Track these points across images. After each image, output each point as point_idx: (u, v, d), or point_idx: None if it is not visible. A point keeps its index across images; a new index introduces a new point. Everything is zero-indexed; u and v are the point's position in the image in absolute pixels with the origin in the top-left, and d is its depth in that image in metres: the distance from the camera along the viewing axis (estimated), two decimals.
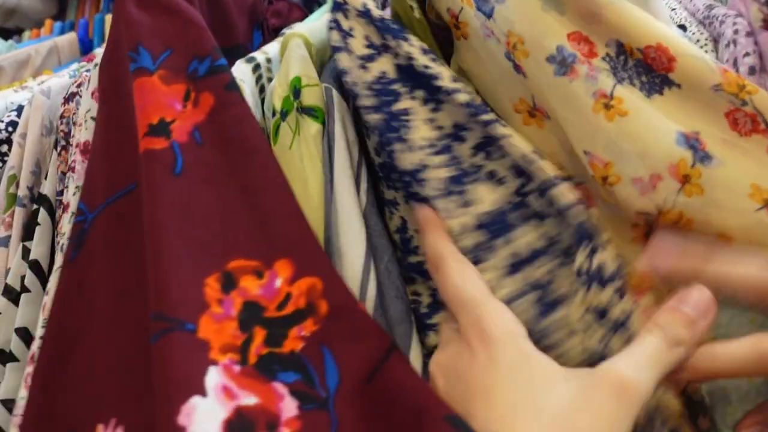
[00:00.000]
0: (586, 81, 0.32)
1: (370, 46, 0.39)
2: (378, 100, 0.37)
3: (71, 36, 1.00)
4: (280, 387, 0.30)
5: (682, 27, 0.49)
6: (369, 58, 0.38)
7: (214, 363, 0.30)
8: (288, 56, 0.43)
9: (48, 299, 0.44)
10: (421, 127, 0.36)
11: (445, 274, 0.32)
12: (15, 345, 0.46)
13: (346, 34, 0.40)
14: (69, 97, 0.55)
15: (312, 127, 0.39)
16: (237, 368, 0.30)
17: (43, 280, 0.49)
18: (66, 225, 0.47)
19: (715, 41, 0.45)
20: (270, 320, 0.32)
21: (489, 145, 0.35)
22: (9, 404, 0.45)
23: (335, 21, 0.41)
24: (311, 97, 0.40)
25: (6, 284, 0.49)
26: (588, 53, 0.33)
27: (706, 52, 0.46)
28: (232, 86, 0.40)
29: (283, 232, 0.35)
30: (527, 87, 0.35)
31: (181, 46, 0.41)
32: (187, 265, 0.32)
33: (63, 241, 0.46)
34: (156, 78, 0.39)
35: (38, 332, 0.44)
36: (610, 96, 0.32)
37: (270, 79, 0.48)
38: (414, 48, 0.37)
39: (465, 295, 0.31)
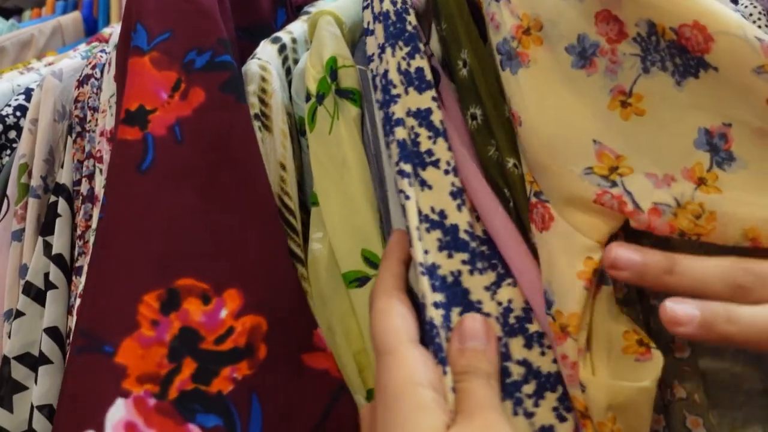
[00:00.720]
0: (604, 76, 0.30)
1: None
2: (383, 96, 0.34)
3: (75, 15, 0.96)
4: (195, 430, 0.27)
5: (734, 1, 0.46)
6: (385, 49, 0.35)
7: (126, 394, 0.27)
8: (320, 35, 0.40)
9: (78, 302, 0.41)
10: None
11: (372, 315, 0.30)
12: (47, 346, 0.44)
13: (376, 18, 0.37)
14: (83, 80, 0.52)
15: (352, 110, 0.37)
16: (152, 402, 0.27)
17: (68, 274, 0.47)
18: (96, 220, 0.44)
19: None
20: (204, 353, 0.30)
21: None
22: (45, 410, 0.42)
23: (370, 1, 0.38)
24: (348, 79, 0.38)
25: (27, 281, 0.46)
26: (617, 34, 0.30)
27: (759, 27, 0.44)
28: (229, 88, 0.36)
29: (242, 258, 0.32)
30: (505, 87, 0.33)
31: (182, 32, 0.37)
32: (127, 276, 0.29)
33: (93, 237, 0.43)
34: (147, 60, 0.35)
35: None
36: (628, 93, 0.30)
37: (296, 61, 0.46)
38: (393, 60, 0.34)
39: (381, 343, 0.29)
